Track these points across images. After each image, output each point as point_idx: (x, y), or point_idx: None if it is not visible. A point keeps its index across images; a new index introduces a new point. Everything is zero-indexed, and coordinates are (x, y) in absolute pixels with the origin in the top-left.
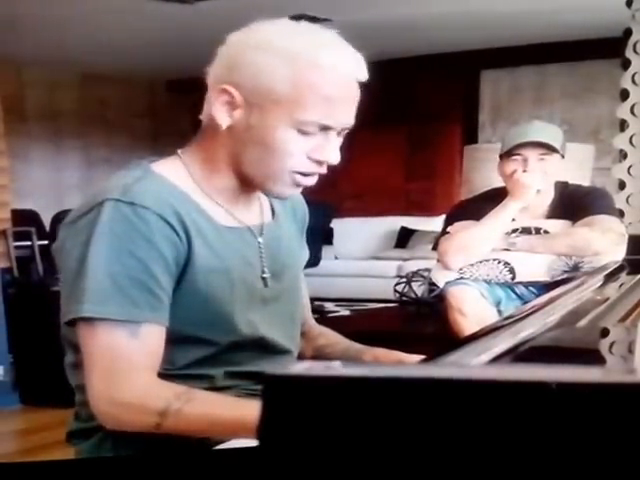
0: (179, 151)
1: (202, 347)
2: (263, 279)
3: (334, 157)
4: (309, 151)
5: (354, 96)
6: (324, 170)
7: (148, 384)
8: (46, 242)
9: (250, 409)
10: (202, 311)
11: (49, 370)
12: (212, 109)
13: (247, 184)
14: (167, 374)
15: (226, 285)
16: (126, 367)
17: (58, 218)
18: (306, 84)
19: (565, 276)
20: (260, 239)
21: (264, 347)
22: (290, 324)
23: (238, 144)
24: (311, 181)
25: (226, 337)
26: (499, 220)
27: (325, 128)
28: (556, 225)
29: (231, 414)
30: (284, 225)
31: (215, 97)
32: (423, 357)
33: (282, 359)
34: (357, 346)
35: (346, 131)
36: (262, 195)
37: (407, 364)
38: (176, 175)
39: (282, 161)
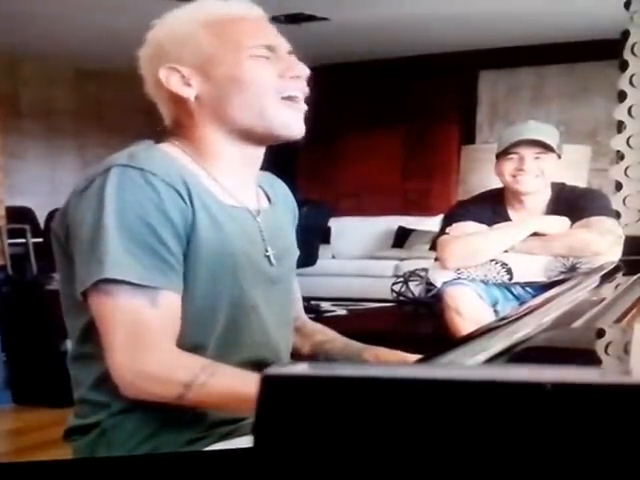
0: (174, 141)
1: (201, 327)
2: (267, 258)
3: (302, 68)
4: (277, 72)
5: (266, 22)
6: (304, 87)
7: (173, 354)
8: (41, 240)
9: None
10: (202, 287)
11: (42, 369)
12: (172, 88)
13: (250, 138)
14: None
15: (230, 259)
16: (149, 336)
17: (53, 216)
18: (228, 28)
19: (562, 277)
20: (259, 220)
21: (257, 329)
22: (286, 311)
23: (216, 105)
24: (302, 103)
25: (224, 315)
26: (515, 235)
27: (271, 48)
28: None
29: (255, 390)
30: (279, 212)
31: (167, 78)
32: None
33: (271, 346)
34: (356, 344)
35: (292, 54)
36: (256, 184)
37: (406, 364)
38: (178, 156)
39: (262, 88)
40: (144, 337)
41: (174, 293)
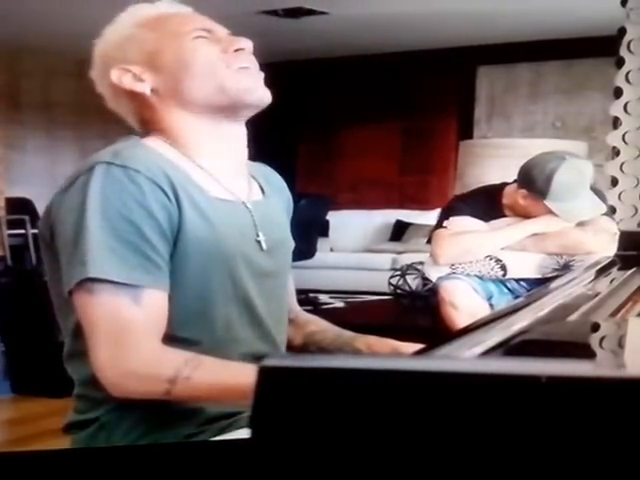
0: (154, 134)
1: (195, 324)
2: (258, 243)
3: (244, 41)
4: (220, 49)
5: (197, 15)
6: (252, 59)
7: (155, 351)
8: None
9: None
10: (194, 284)
11: (41, 359)
12: (127, 86)
13: (220, 112)
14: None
15: (222, 254)
16: (131, 335)
17: None
18: (163, 22)
19: (555, 274)
20: (253, 212)
21: (253, 324)
22: (282, 305)
23: (174, 92)
24: (257, 71)
25: (218, 311)
26: (510, 237)
27: (209, 31)
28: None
29: (239, 380)
30: (273, 203)
31: (119, 78)
32: (415, 345)
33: (269, 340)
34: (348, 333)
35: (231, 37)
36: (250, 175)
37: (400, 353)
38: (164, 149)
39: (210, 63)
40: (126, 336)
41: (159, 291)
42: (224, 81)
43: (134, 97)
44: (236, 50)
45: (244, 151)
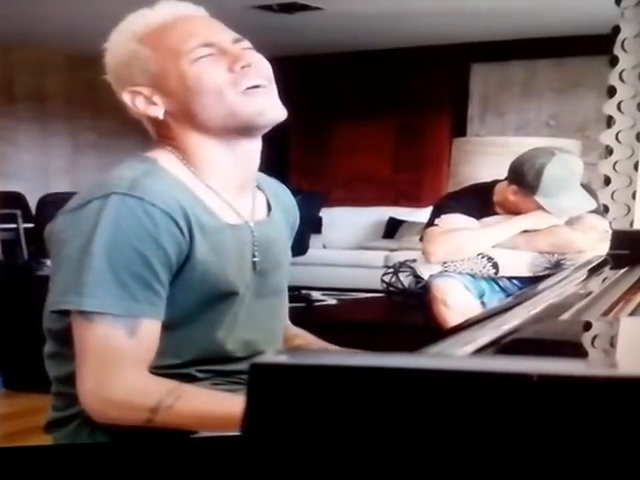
0: (168, 147)
1: (189, 345)
2: (253, 271)
3: (250, 55)
4: (226, 67)
5: (201, 19)
6: (262, 73)
7: (139, 380)
8: (32, 225)
9: (241, 404)
10: (194, 304)
11: (33, 355)
12: (141, 111)
13: (234, 134)
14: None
15: (221, 280)
16: (119, 364)
17: (44, 201)
18: (163, 37)
19: (547, 272)
20: (255, 233)
21: (239, 342)
22: (274, 324)
23: (186, 115)
24: (269, 88)
25: (212, 332)
26: (501, 234)
27: (211, 45)
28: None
29: (222, 409)
30: (277, 222)
31: (132, 102)
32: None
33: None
34: (334, 348)
35: (242, 42)
36: (258, 192)
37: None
38: (178, 170)
39: (216, 88)
40: (114, 364)
41: (155, 320)
42: (233, 106)
43: (149, 117)
44: (243, 67)
45: (256, 165)
